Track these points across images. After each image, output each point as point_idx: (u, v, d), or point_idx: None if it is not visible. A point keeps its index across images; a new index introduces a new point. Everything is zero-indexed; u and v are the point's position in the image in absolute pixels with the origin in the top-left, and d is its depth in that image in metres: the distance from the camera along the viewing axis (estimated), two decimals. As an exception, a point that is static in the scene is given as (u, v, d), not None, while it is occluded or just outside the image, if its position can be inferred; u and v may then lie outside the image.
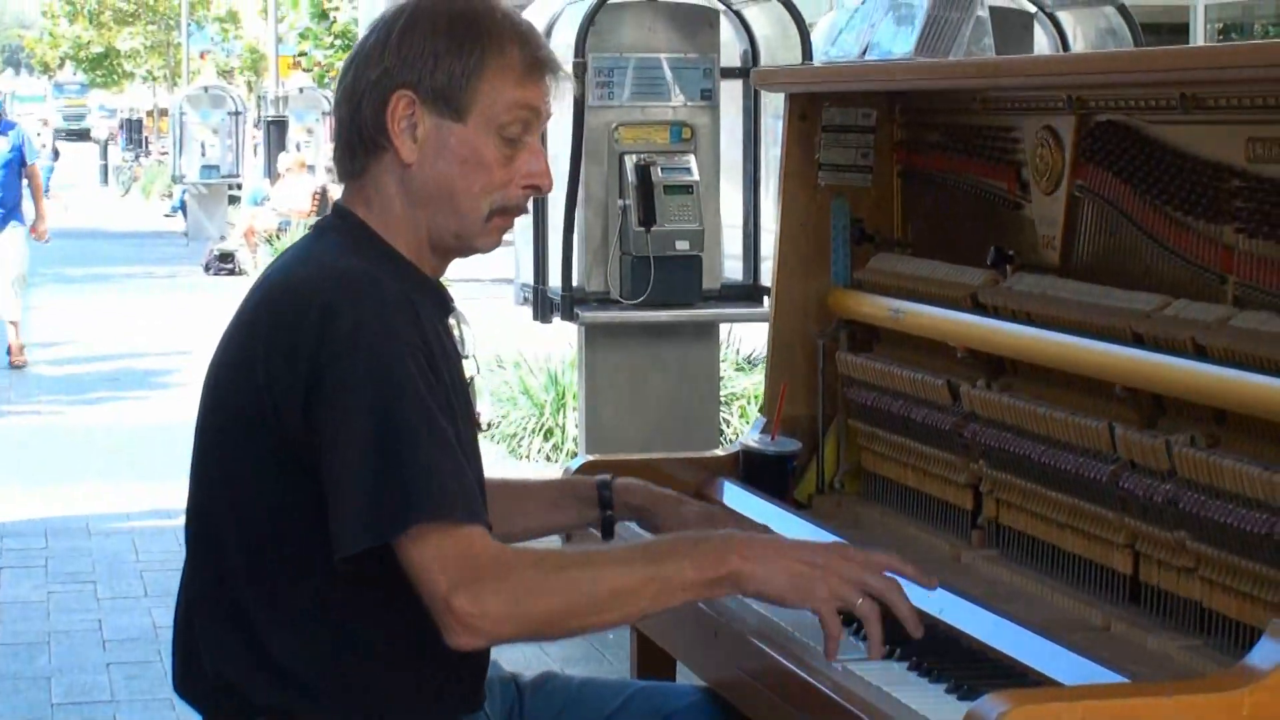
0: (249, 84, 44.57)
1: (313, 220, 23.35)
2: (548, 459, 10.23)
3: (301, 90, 30.11)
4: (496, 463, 8.81)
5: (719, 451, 3.89)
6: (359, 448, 2.58)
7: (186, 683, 2.89)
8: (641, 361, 7.86)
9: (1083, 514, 3.06)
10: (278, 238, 22.45)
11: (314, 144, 27.68)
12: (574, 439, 9.68)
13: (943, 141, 3.68)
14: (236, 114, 27.07)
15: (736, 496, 3.70)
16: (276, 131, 27.70)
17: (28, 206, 14.88)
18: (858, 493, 3.78)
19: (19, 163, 14.08)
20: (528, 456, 10.34)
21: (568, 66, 7.76)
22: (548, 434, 10.51)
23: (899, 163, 3.80)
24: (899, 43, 3.55)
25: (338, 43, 22.92)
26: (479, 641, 2.58)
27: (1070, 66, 3.73)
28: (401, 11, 2.88)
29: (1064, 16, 8.73)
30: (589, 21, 7.79)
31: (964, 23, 3.43)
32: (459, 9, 2.87)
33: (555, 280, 7.99)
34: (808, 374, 3.86)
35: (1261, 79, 2.64)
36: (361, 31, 19.38)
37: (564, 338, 9.63)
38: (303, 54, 24.18)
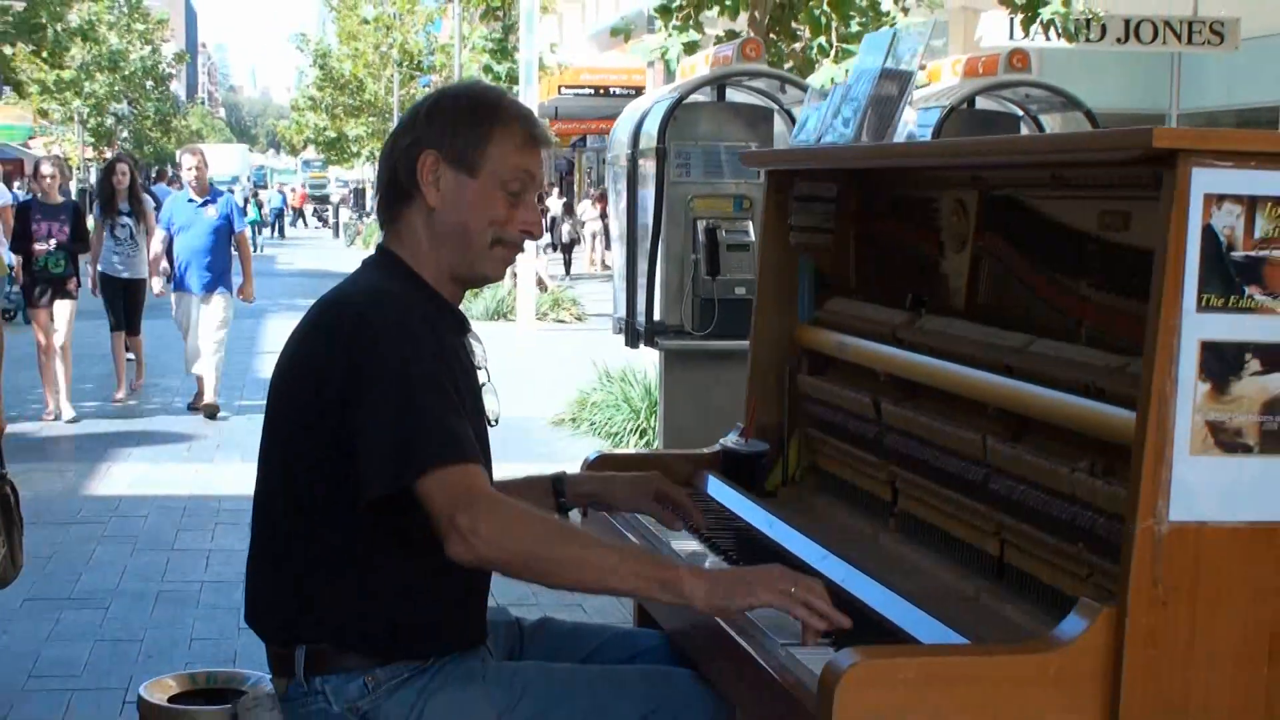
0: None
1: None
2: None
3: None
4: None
5: (705, 450, 3.82)
6: (384, 414, 2.60)
7: (252, 618, 2.89)
8: (707, 379, 7.82)
9: (964, 507, 2.99)
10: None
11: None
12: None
13: (886, 210, 3.61)
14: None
15: (717, 487, 3.65)
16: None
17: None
18: (812, 485, 3.71)
19: (228, 230, 11.72)
20: (625, 447, 10.35)
21: (653, 154, 7.81)
22: (641, 433, 10.48)
23: (854, 226, 3.72)
24: (843, 133, 3.47)
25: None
26: (471, 556, 2.52)
27: (947, 149, 3.70)
28: (429, 97, 2.99)
29: (1045, 119, 8.61)
30: (669, 117, 7.87)
31: (894, 115, 3.35)
32: (476, 93, 2.95)
33: (642, 315, 8.06)
34: (777, 392, 3.80)
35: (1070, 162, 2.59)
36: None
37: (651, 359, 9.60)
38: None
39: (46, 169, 11.96)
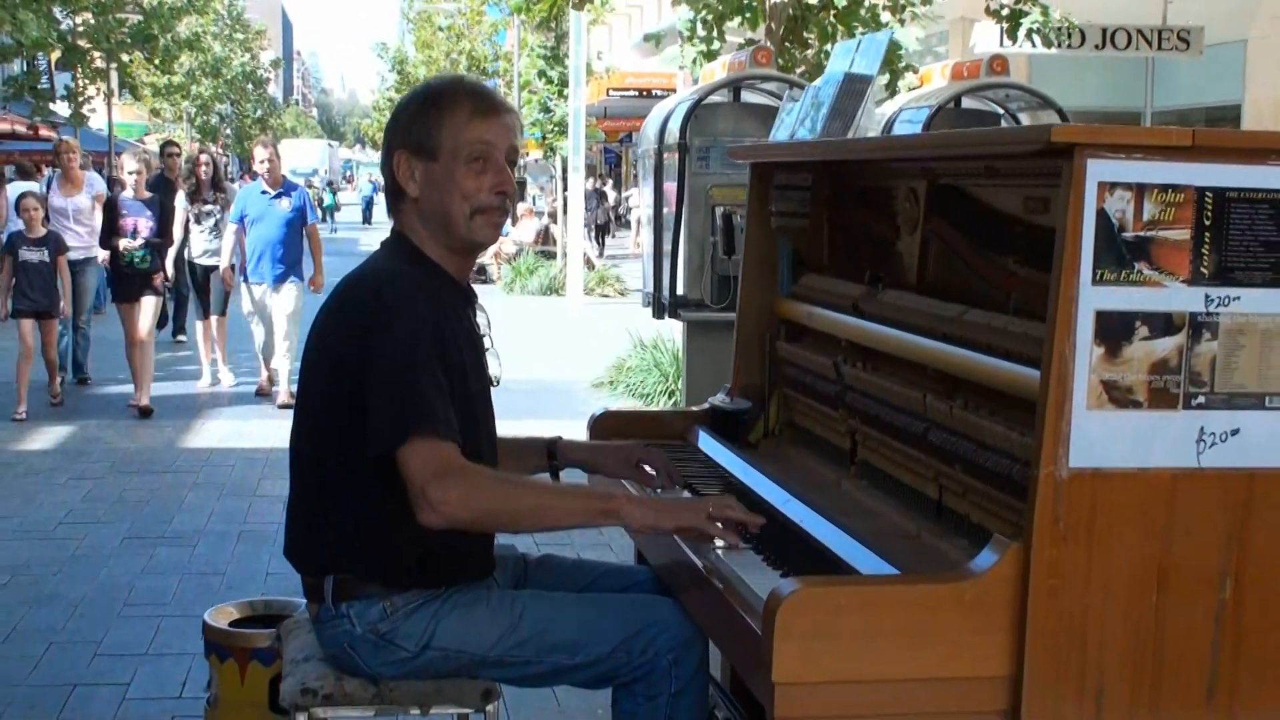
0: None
1: (538, 249, 23.65)
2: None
3: (535, 160, 30.32)
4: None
5: (696, 408, 3.86)
6: (385, 385, 2.64)
7: (289, 552, 2.95)
8: (724, 347, 7.78)
9: (910, 456, 3.02)
10: (515, 259, 22.66)
11: (543, 196, 27.86)
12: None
13: (852, 198, 3.62)
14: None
15: (706, 440, 3.69)
16: (518, 188, 27.85)
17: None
18: (788, 438, 3.74)
19: (300, 222, 10.67)
20: (657, 406, 10.37)
21: (677, 148, 7.81)
22: (670, 394, 10.51)
23: (826, 211, 3.74)
24: (812, 130, 3.49)
25: (556, 129, 22.93)
26: (440, 521, 2.58)
27: (885, 144, 3.78)
28: (397, 104, 2.98)
29: (1023, 116, 8.57)
30: (690, 116, 7.86)
31: (857, 113, 3.37)
32: (429, 86, 2.95)
33: (667, 290, 8.08)
34: (759, 356, 3.82)
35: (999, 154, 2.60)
36: (572, 121, 19.61)
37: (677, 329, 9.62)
38: (534, 136, 24.32)
39: (131, 164, 10.73)
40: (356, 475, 2.75)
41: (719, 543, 2.74)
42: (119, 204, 10.57)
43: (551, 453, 3.29)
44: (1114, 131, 2.22)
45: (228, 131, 50.69)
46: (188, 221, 11.66)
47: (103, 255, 11.07)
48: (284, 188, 10.70)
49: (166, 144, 14.62)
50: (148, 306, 10.40)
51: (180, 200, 11.61)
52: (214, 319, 11.63)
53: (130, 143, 29.63)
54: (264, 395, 11.02)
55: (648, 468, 3.25)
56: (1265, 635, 2.37)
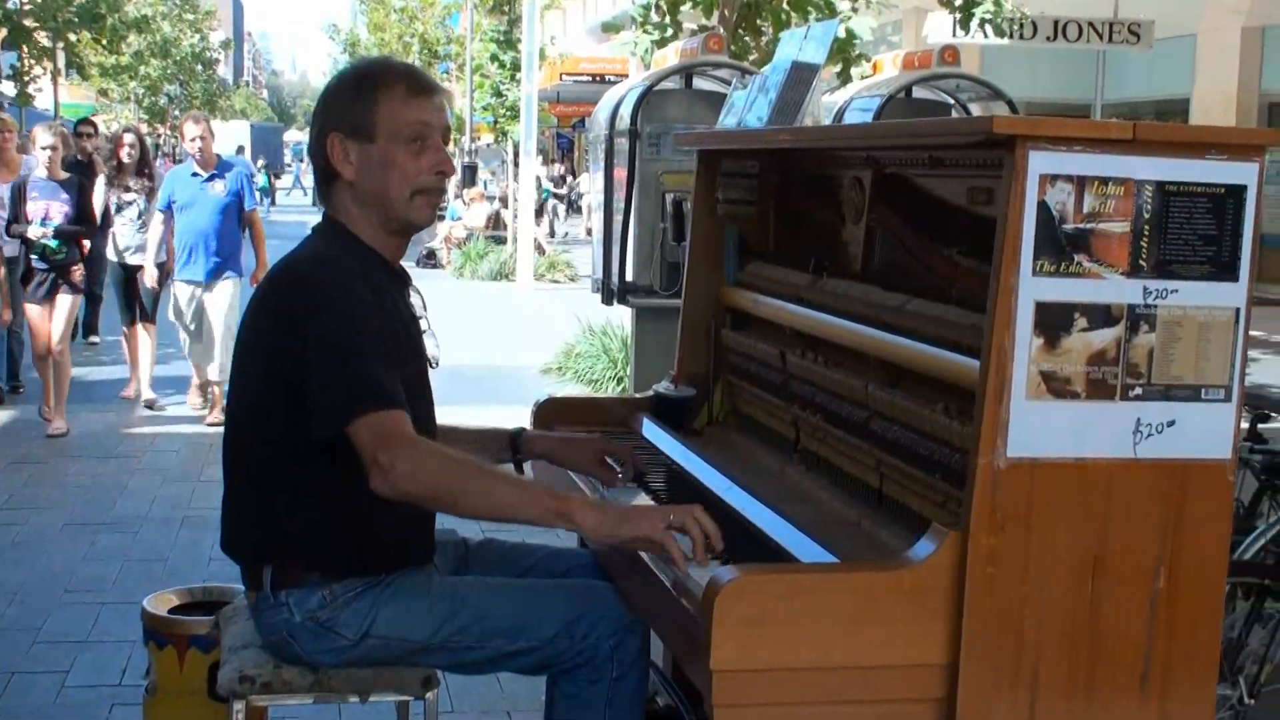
0: (455, 140, 44.92)
1: (489, 233, 23.57)
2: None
3: (487, 145, 30.24)
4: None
5: (640, 395, 3.86)
6: (326, 369, 2.61)
7: (226, 545, 2.92)
8: (673, 333, 7.80)
9: (851, 445, 3.03)
10: (465, 244, 22.58)
11: (494, 181, 27.78)
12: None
13: (799, 186, 3.63)
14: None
15: (649, 428, 3.68)
16: (469, 173, 27.71)
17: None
18: (733, 426, 3.74)
19: (237, 208, 9.07)
20: (605, 393, 10.35)
21: (628, 134, 7.79)
22: (619, 380, 10.50)
23: (773, 199, 3.74)
24: (759, 117, 3.49)
25: (508, 113, 22.85)
26: (389, 490, 2.54)
27: (838, 133, 3.77)
28: (326, 85, 2.96)
29: (973, 107, 8.61)
30: (641, 101, 7.82)
31: (804, 101, 3.37)
32: (360, 67, 2.95)
33: (616, 276, 8.06)
34: (704, 344, 3.83)
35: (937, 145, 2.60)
36: (524, 105, 19.54)
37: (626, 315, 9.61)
38: (486, 120, 24.25)
39: (45, 138, 9.05)
40: (295, 464, 2.73)
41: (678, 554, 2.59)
42: (28, 185, 8.96)
43: (515, 444, 3.26)
44: (1055, 124, 2.24)
45: (175, 113, 50.23)
46: (107, 211, 9.84)
47: (9, 248, 9.20)
48: (218, 169, 9.13)
49: (80, 122, 13.52)
50: (62, 308, 8.85)
51: (99, 186, 9.90)
52: (140, 327, 9.90)
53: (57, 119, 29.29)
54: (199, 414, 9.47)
55: (612, 461, 3.23)
56: (1197, 623, 2.40)
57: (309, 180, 45.12)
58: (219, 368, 9.05)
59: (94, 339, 12.70)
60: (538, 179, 23.74)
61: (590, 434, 3.40)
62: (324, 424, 2.61)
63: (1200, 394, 2.34)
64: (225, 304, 9.02)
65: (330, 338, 2.62)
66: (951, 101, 8.61)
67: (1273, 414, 4.75)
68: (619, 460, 3.24)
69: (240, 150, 35.85)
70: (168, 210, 9.20)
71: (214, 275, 9.04)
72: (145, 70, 43.56)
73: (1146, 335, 2.31)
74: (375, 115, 2.78)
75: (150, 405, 9.72)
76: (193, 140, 9.02)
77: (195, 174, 9.04)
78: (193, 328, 9.18)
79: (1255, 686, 3.99)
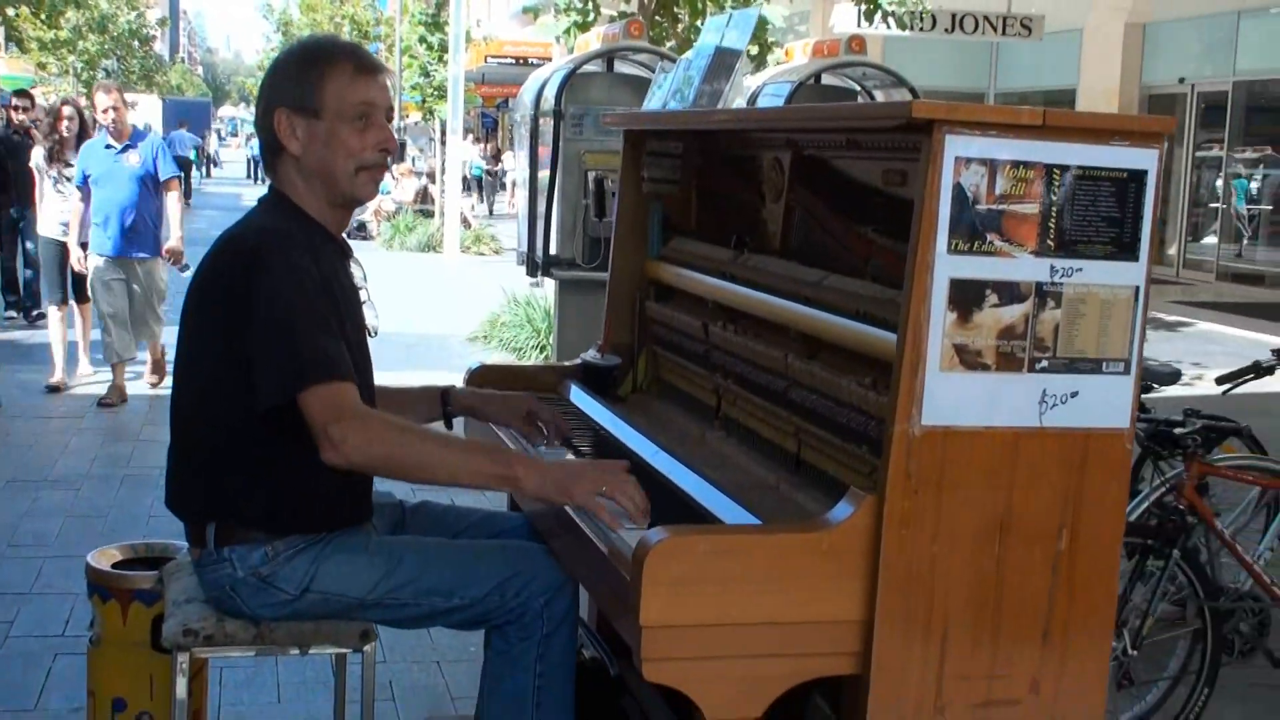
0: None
1: (417, 207, 23.34)
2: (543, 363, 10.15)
3: (415, 123, 29.90)
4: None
5: (568, 363, 3.83)
6: (272, 339, 2.55)
7: (170, 502, 2.86)
8: (594, 304, 7.75)
9: (771, 413, 3.02)
10: (394, 217, 22.35)
11: (422, 158, 27.48)
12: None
13: (721, 166, 3.60)
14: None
15: (577, 394, 3.65)
16: (399, 149, 27.33)
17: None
18: (656, 393, 3.72)
19: (153, 180, 8.34)
20: (528, 360, 10.30)
21: (552, 115, 7.73)
22: (542, 349, 10.46)
23: (696, 179, 3.72)
24: (684, 100, 3.47)
25: (435, 93, 22.59)
26: (341, 461, 2.51)
27: (759, 115, 3.75)
28: (273, 61, 2.89)
29: (878, 94, 8.63)
30: (565, 83, 7.78)
31: (726, 85, 3.35)
32: (307, 44, 2.90)
33: (541, 250, 8.01)
34: (629, 315, 3.80)
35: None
36: (451, 86, 19.34)
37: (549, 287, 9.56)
38: (414, 99, 23.97)
39: None
40: (239, 428, 2.67)
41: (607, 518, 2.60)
42: None
43: (445, 400, 3.23)
44: (971, 109, 2.22)
45: (113, 87, 49.19)
46: (38, 184, 9.25)
47: None
48: (131, 139, 8.43)
49: (16, 93, 12.80)
50: None
51: (37, 160, 9.32)
52: (73, 305, 9.20)
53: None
54: (109, 405, 8.46)
55: (539, 422, 3.20)
56: (1094, 582, 2.41)
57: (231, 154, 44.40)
58: (132, 343, 8.57)
59: (12, 314, 11.99)
60: (472, 160, 23.53)
61: (518, 392, 3.37)
62: (271, 393, 2.55)
63: (1102, 367, 2.35)
64: (144, 280, 8.52)
65: (279, 308, 2.56)
66: (858, 88, 8.63)
67: (1154, 384, 4.80)
68: (545, 424, 3.21)
69: (148, 128, 35.29)
70: (84, 185, 8.49)
71: (131, 250, 8.41)
72: (84, 45, 42.58)
73: (1053, 311, 2.32)
74: (322, 93, 2.72)
75: (58, 388, 8.85)
76: (105, 111, 8.32)
77: (109, 146, 8.37)
78: (110, 310, 8.44)
79: (1138, 639, 4.05)
